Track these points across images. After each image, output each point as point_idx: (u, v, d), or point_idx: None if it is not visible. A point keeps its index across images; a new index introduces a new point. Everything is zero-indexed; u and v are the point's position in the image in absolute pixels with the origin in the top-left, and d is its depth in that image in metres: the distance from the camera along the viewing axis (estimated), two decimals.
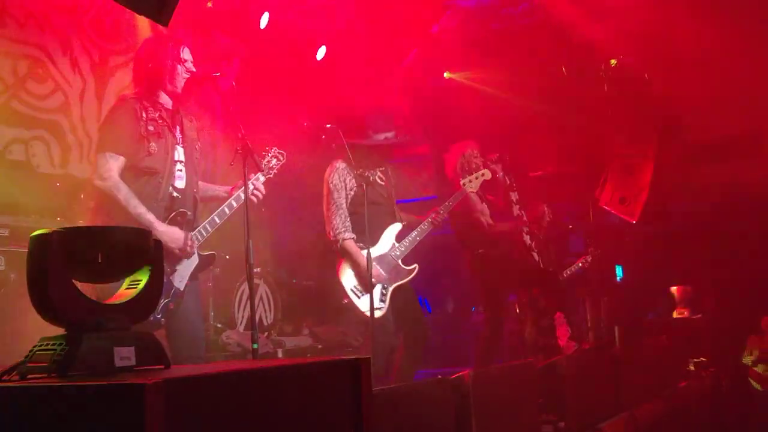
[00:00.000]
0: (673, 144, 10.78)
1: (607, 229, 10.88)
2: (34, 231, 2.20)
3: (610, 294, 9.95)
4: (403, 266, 6.24)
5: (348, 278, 6.08)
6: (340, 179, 6.19)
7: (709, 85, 9.98)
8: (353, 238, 6.09)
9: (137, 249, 2.39)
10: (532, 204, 9.54)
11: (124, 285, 2.46)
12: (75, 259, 2.21)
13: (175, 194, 4.75)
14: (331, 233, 6.13)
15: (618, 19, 10.06)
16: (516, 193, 7.26)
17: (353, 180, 6.17)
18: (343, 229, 6.09)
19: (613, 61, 10.34)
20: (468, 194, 6.85)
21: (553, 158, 10.90)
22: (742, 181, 10.70)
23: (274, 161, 5.39)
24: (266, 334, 7.95)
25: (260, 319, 8.02)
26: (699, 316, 10.05)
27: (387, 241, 6.24)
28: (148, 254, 2.43)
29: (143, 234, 2.44)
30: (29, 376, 2.11)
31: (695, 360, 8.26)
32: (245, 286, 7.72)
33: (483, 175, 6.72)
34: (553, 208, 9.63)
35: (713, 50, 9.53)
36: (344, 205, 6.15)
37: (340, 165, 6.23)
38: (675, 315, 10.36)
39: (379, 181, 6.36)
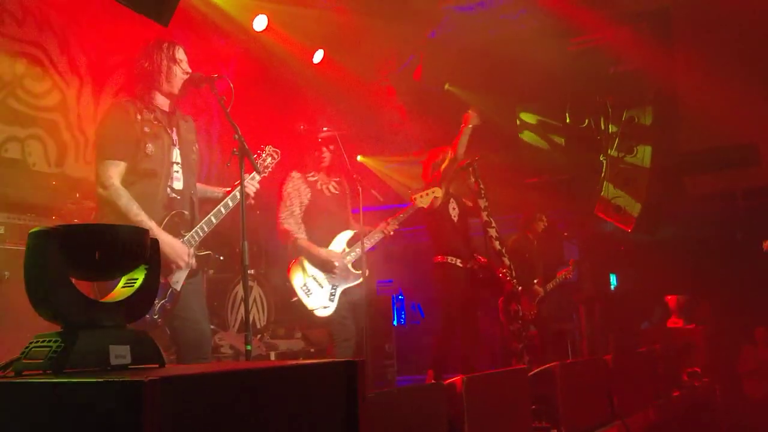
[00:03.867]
0: (669, 153, 10.81)
1: (602, 238, 10.90)
2: (30, 229, 2.20)
3: (605, 302, 9.96)
4: (352, 270, 6.36)
5: (298, 277, 6.21)
6: (294, 188, 6.39)
7: (705, 95, 10.02)
8: (305, 237, 6.28)
9: (134, 247, 2.38)
10: (527, 210, 9.59)
11: (121, 283, 2.45)
12: (72, 257, 2.20)
13: (173, 195, 4.73)
14: (284, 237, 6.32)
15: (616, 28, 10.09)
16: (485, 199, 7.33)
17: (308, 190, 6.38)
18: (295, 230, 6.27)
19: (611, 69, 10.37)
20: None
21: (549, 165, 10.91)
22: (737, 191, 10.73)
23: (269, 160, 5.42)
24: (259, 336, 7.95)
25: (253, 321, 8.01)
26: (693, 325, 10.07)
27: (338, 245, 6.41)
28: (145, 253, 2.42)
29: (140, 233, 2.43)
30: (25, 373, 2.10)
31: (689, 370, 8.27)
32: (239, 288, 7.72)
33: (434, 192, 6.80)
34: (548, 215, 9.67)
35: (710, 58, 9.57)
36: (297, 212, 6.33)
37: (295, 174, 6.43)
38: (669, 324, 10.38)
39: (333, 190, 6.50)
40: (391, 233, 6.58)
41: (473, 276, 7.33)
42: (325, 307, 6.13)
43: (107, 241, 2.29)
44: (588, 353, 9.76)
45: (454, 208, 7.31)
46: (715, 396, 8.57)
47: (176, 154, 4.80)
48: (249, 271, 6.14)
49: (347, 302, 6.27)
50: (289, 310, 8.60)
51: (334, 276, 6.23)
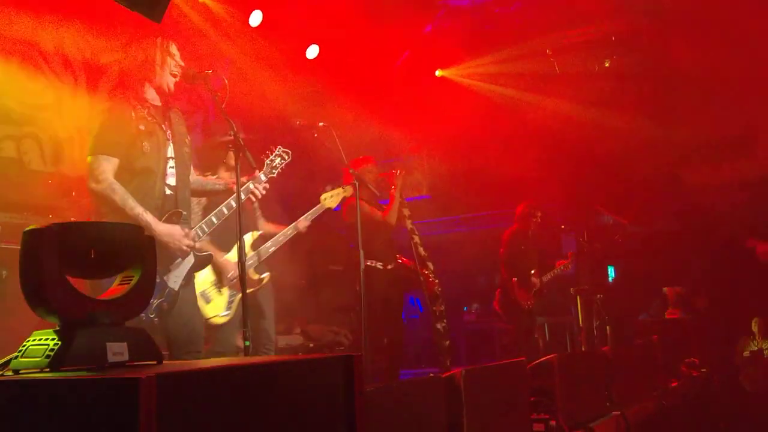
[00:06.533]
0: (666, 144, 10.81)
1: (600, 230, 10.90)
2: (26, 228, 2.20)
3: (603, 294, 9.96)
4: (252, 275, 6.19)
5: (201, 281, 5.89)
6: None
7: (703, 85, 10.02)
8: (208, 240, 5.92)
9: (130, 245, 2.39)
10: (522, 203, 9.63)
11: (117, 281, 2.45)
12: (68, 255, 2.20)
13: (168, 192, 4.70)
14: None
15: (612, 20, 10.09)
16: (408, 209, 7.71)
17: None
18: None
19: (606, 63, 10.38)
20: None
21: (547, 159, 10.91)
22: (734, 182, 10.73)
23: (278, 160, 5.42)
24: None
25: None
26: (691, 316, 10.08)
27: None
28: (141, 250, 2.42)
29: (136, 230, 2.44)
30: (22, 371, 2.11)
31: (687, 360, 8.28)
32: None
33: (343, 191, 6.74)
34: (546, 208, 9.68)
35: (705, 51, 9.57)
36: (196, 211, 5.96)
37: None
38: (667, 315, 10.39)
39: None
40: (305, 230, 6.53)
41: (395, 276, 7.51)
42: (223, 315, 5.93)
43: (103, 239, 2.30)
44: (586, 345, 9.77)
45: (373, 214, 7.42)
46: (712, 386, 8.58)
47: (170, 150, 4.78)
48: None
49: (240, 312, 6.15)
50: (289, 305, 8.62)
51: (232, 282, 6.01)
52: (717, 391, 8.65)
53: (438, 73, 11.33)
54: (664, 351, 7.72)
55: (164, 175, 4.68)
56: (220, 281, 5.98)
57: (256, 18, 8.76)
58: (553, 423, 5.05)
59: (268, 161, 5.46)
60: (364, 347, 5.78)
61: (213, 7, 8.43)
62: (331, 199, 6.66)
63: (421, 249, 7.66)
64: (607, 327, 9.44)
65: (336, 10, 9.11)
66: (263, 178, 5.30)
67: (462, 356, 11.24)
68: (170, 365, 2.31)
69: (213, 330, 5.95)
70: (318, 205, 6.65)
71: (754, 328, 10.17)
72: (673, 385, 7.70)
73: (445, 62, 11.24)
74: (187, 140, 4.96)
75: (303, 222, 6.53)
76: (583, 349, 9.72)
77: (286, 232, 6.42)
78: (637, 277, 11.28)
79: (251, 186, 5.20)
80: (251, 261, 6.18)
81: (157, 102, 4.79)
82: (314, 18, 9.18)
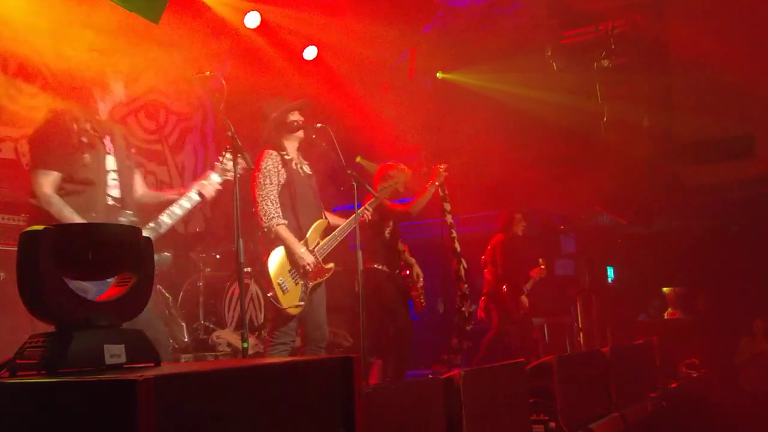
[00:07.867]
0: (665, 145, 10.81)
1: (599, 231, 10.90)
2: (24, 229, 2.19)
3: (602, 295, 9.97)
4: (322, 264, 6.14)
5: (277, 269, 5.86)
6: (274, 166, 5.99)
7: (701, 86, 10.02)
8: (286, 224, 5.91)
9: (128, 246, 2.37)
10: (504, 211, 9.68)
11: (114, 283, 2.44)
12: (65, 256, 2.19)
13: (111, 203, 4.66)
14: (263, 219, 5.88)
15: (611, 20, 10.08)
16: (449, 203, 7.89)
17: (284, 171, 6.02)
18: (275, 215, 5.87)
19: (605, 62, 10.37)
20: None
21: (547, 159, 10.91)
22: (732, 182, 10.73)
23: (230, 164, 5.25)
24: (257, 334, 7.93)
25: (251, 319, 8.00)
26: (691, 317, 10.08)
27: (313, 237, 6.13)
28: (139, 252, 2.41)
29: (133, 231, 2.43)
30: (19, 373, 2.10)
31: (686, 361, 8.28)
32: (235, 286, 7.70)
33: (396, 183, 7.17)
34: (545, 209, 9.68)
35: (704, 51, 9.57)
36: (275, 192, 5.93)
37: (272, 152, 6.05)
38: (666, 316, 10.39)
39: (307, 170, 6.29)
40: (368, 220, 6.66)
41: (399, 281, 7.59)
42: (298, 306, 5.88)
43: (100, 241, 2.28)
44: (585, 346, 9.77)
45: (388, 227, 7.44)
46: (712, 387, 8.58)
47: (111, 162, 4.74)
48: (246, 269, 6.12)
49: (310, 303, 6.06)
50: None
51: (307, 273, 5.97)
52: (717, 392, 8.64)
53: (439, 75, 11.33)
54: (663, 351, 7.70)
55: (106, 186, 4.64)
56: (296, 270, 5.92)
57: (253, 19, 8.73)
58: (552, 424, 5.04)
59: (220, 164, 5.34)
60: (363, 349, 5.76)
61: (212, 7, 8.41)
62: (384, 190, 7.02)
63: (457, 245, 7.93)
64: (607, 327, 9.45)
65: (334, 11, 9.10)
66: (219, 179, 5.15)
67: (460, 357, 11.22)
68: (168, 367, 2.30)
69: (287, 320, 5.92)
70: (374, 198, 6.78)
71: (755, 328, 10.19)
72: (673, 385, 7.69)
73: (444, 62, 11.23)
74: (130, 153, 4.94)
75: (366, 212, 6.60)
76: (582, 349, 9.72)
77: (350, 221, 6.39)
78: (636, 277, 11.29)
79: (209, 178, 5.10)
80: (321, 250, 6.15)
81: (104, 114, 4.78)
82: (312, 19, 9.16)
